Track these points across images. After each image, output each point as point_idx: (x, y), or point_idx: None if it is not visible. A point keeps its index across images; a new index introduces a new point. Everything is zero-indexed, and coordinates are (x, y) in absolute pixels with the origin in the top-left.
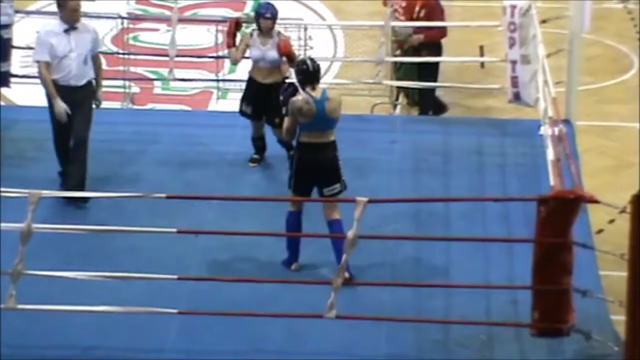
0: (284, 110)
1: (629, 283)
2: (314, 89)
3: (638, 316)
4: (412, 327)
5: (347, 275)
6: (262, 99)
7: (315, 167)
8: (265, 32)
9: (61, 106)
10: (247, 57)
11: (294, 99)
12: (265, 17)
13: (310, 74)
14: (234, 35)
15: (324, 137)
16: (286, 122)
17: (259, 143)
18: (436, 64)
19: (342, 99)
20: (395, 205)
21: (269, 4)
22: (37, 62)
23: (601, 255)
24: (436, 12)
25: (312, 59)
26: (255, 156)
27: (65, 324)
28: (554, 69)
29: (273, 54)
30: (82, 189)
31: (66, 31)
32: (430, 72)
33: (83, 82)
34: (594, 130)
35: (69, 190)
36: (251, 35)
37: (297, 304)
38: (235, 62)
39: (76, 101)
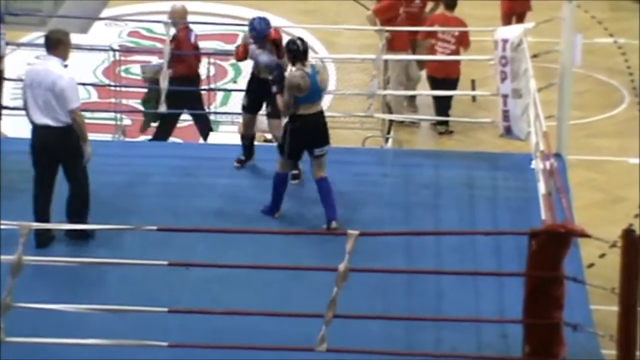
0: (274, 89)
1: (619, 317)
2: (304, 65)
3: (629, 350)
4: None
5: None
6: (259, 92)
7: (311, 134)
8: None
9: (90, 148)
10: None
11: (291, 75)
12: (250, 33)
13: (300, 52)
14: (244, 53)
15: (317, 107)
16: (284, 98)
17: (247, 142)
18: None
19: (326, 66)
20: (386, 239)
21: (256, 19)
22: (78, 107)
23: (592, 289)
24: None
25: (300, 39)
26: (242, 157)
27: (55, 357)
28: (545, 103)
29: (264, 58)
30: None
31: (65, 67)
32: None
33: None
34: (585, 164)
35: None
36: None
37: (288, 336)
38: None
39: None
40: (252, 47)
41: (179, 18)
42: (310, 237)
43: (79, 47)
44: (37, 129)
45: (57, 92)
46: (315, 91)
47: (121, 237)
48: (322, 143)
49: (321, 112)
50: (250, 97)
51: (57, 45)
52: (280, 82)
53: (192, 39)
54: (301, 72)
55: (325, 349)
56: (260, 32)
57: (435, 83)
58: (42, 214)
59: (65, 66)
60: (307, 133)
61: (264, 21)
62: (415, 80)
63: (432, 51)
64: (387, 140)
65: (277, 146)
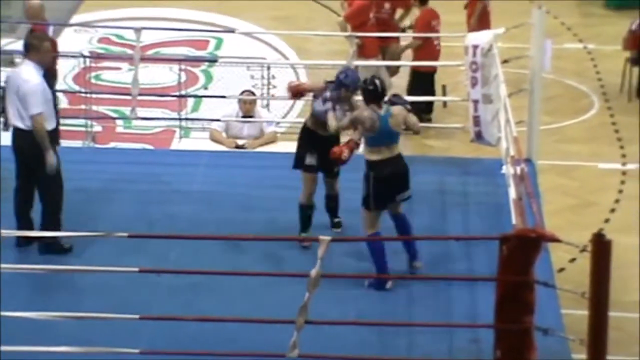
0: (330, 105)
1: (589, 321)
2: (379, 106)
3: (599, 355)
4: None
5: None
6: (323, 151)
7: (392, 181)
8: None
9: (54, 157)
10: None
11: (360, 112)
12: (339, 89)
13: (377, 93)
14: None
15: (391, 151)
16: (341, 123)
17: (310, 213)
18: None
19: (406, 114)
20: (359, 244)
21: (347, 71)
22: (38, 114)
23: (562, 293)
24: None
25: (380, 79)
26: (304, 233)
27: None
28: (515, 108)
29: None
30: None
31: (44, 75)
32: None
33: None
34: (555, 169)
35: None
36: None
37: (260, 342)
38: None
39: (55, 146)
40: (319, 102)
41: (33, 14)
42: (286, 243)
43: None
44: (14, 131)
45: (21, 97)
46: (385, 134)
47: (92, 244)
48: (404, 188)
49: (399, 156)
50: (316, 155)
51: (29, 49)
52: (338, 99)
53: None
54: (371, 112)
55: (297, 355)
56: (353, 85)
57: (424, 76)
58: (22, 214)
59: (46, 72)
60: (389, 181)
61: (354, 72)
62: (387, 87)
63: (422, 50)
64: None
65: (362, 201)
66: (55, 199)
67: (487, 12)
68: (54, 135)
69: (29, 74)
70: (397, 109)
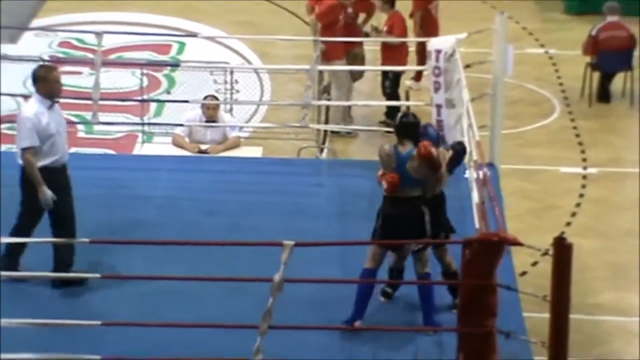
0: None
1: (551, 324)
2: (402, 144)
3: (560, 357)
4: None
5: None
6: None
7: (395, 222)
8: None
9: (48, 193)
10: None
11: (382, 145)
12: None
13: (404, 128)
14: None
15: (403, 192)
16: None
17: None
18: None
19: (424, 164)
20: (321, 249)
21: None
22: (27, 148)
23: (524, 297)
24: None
25: (414, 116)
26: (388, 290)
27: None
28: (478, 113)
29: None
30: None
31: (50, 107)
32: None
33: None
34: (517, 173)
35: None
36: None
37: (225, 348)
38: None
39: (67, 181)
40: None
41: None
42: (250, 248)
43: (7, 58)
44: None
45: (15, 128)
46: (401, 174)
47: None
48: (412, 236)
49: (409, 200)
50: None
51: (37, 81)
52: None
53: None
54: (390, 148)
55: None
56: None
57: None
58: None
59: (52, 103)
60: (391, 220)
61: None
62: (349, 91)
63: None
64: (322, 150)
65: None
66: (67, 252)
67: (432, 17)
68: (61, 174)
69: (28, 105)
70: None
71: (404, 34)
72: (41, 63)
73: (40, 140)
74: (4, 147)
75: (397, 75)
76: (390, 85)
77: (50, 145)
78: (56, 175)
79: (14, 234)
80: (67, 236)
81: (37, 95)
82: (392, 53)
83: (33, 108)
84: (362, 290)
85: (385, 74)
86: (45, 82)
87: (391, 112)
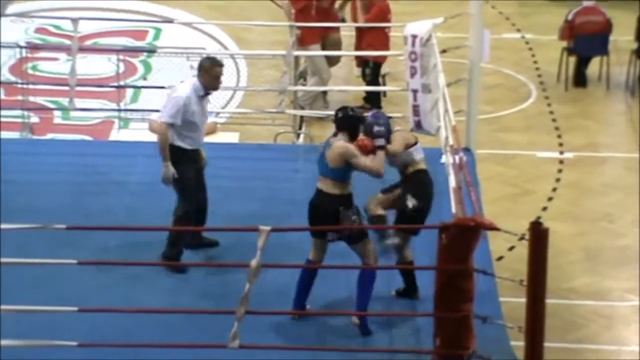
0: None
1: (527, 309)
2: (335, 134)
3: (536, 341)
4: (314, 354)
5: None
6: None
7: (311, 213)
8: None
9: (171, 170)
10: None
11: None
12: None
13: (340, 121)
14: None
15: (320, 182)
16: None
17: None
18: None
19: (343, 151)
20: (298, 234)
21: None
22: (167, 123)
23: (501, 281)
24: None
25: (352, 110)
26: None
27: None
28: (454, 98)
29: None
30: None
31: (202, 97)
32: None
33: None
34: (494, 158)
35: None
36: None
37: (202, 334)
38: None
39: (202, 164)
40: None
41: None
42: (225, 233)
43: None
44: None
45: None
46: (320, 162)
47: (29, 236)
48: (323, 224)
49: (322, 192)
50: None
51: (201, 70)
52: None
53: None
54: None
55: (238, 346)
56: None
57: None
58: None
59: (204, 95)
60: (310, 210)
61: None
62: (328, 76)
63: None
64: (298, 136)
65: None
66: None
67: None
68: (193, 155)
69: (183, 87)
70: (338, 146)
71: (374, 20)
72: (207, 55)
73: (182, 122)
74: (2, 134)
75: (378, 64)
76: (371, 72)
77: (188, 130)
78: (191, 155)
79: (176, 222)
80: (184, 210)
81: (196, 82)
82: (372, 39)
83: (187, 91)
84: (301, 282)
85: (365, 61)
86: (207, 74)
87: (370, 97)
